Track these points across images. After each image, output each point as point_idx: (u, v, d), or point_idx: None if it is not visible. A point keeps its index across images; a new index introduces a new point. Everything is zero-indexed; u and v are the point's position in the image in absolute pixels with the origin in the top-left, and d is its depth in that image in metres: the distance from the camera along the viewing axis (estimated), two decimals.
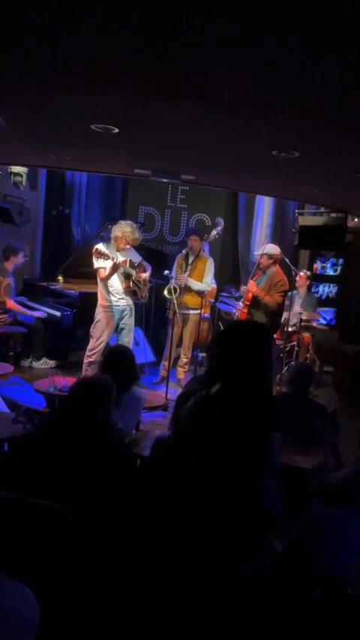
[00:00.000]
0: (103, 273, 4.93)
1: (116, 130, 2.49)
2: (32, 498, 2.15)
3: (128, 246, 5.07)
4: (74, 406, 2.61)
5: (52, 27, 1.38)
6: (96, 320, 5.06)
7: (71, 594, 2.11)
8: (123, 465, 2.68)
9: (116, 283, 5.02)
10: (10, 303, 5.81)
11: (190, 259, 5.64)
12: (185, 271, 5.55)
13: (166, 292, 5.56)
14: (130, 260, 5.14)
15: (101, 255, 4.79)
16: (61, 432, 2.55)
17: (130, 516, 2.46)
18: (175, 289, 5.41)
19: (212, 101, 1.84)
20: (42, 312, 6.04)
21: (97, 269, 4.97)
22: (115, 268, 4.86)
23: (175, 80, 1.69)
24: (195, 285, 5.56)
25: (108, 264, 4.87)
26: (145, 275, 5.21)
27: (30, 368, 5.96)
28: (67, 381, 4.19)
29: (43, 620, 1.71)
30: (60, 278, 6.58)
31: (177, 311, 5.41)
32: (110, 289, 5.01)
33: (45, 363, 5.98)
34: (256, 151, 2.63)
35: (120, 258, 5.00)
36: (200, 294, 5.61)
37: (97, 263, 4.93)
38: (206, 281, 5.65)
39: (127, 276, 5.07)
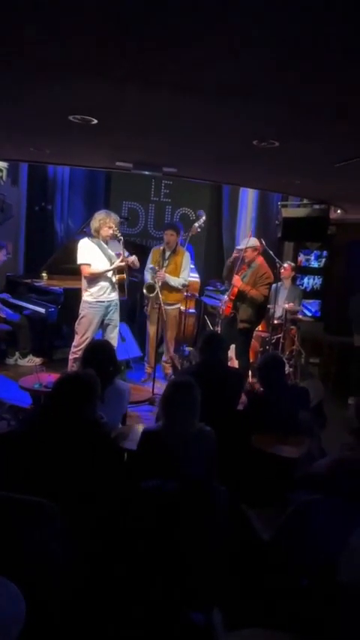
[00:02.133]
0: (87, 270, 4.88)
1: (95, 122, 2.46)
2: (18, 494, 2.13)
3: (112, 235, 4.96)
4: (59, 403, 2.58)
5: (27, 13, 1.35)
6: (80, 316, 5.01)
7: (58, 591, 2.10)
8: (110, 460, 2.66)
9: (103, 279, 4.98)
10: None
11: (167, 254, 5.57)
12: (162, 267, 5.46)
13: (145, 290, 5.53)
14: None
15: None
16: (46, 428, 2.52)
17: (119, 511, 2.46)
18: (152, 287, 5.39)
19: (189, 88, 1.82)
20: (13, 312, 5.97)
21: (81, 265, 4.92)
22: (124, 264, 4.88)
23: (151, 67, 1.67)
24: (172, 280, 5.51)
25: (96, 259, 4.85)
26: (133, 258, 5.05)
27: (15, 366, 5.91)
28: (52, 377, 4.15)
29: (30, 615, 1.70)
30: (44, 275, 6.51)
31: (162, 305, 5.38)
32: (96, 285, 4.96)
33: (31, 361, 5.92)
34: (236, 140, 2.62)
35: (110, 252, 4.98)
36: (179, 289, 5.60)
37: (81, 259, 4.88)
38: (183, 276, 5.60)
39: (120, 270, 5.03)
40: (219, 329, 5.91)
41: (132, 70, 1.74)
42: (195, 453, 2.64)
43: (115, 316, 5.13)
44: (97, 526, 2.37)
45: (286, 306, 6.19)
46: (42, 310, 6.01)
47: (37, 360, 5.87)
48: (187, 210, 7.60)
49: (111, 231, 4.89)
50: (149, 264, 5.60)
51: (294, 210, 4.99)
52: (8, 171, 5.07)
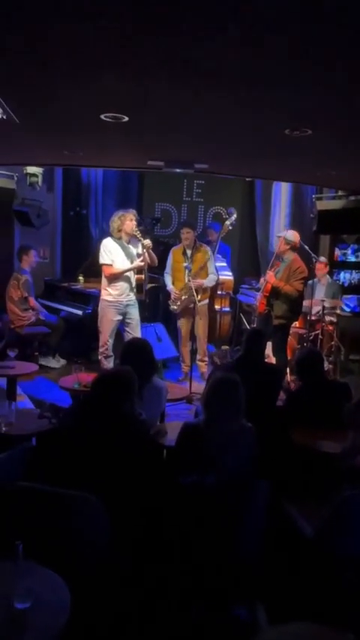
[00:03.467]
0: (109, 270, 5.00)
1: (126, 119, 2.48)
2: (62, 489, 2.17)
3: (133, 235, 5.05)
4: (98, 398, 2.61)
5: (55, 10, 1.38)
6: (100, 315, 5.14)
7: (101, 582, 2.12)
8: (149, 454, 2.68)
9: (123, 279, 5.06)
10: (32, 300, 5.90)
11: (189, 252, 5.58)
12: (185, 262, 5.46)
13: (185, 295, 5.53)
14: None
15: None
16: (87, 424, 2.56)
17: (159, 505, 2.47)
18: (186, 288, 5.43)
19: (217, 76, 1.81)
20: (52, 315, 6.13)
21: (103, 265, 5.03)
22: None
23: (178, 54, 1.67)
24: (207, 282, 5.60)
25: (118, 260, 4.97)
26: (147, 242, 5.06)
27: (54, 368, 6.04)
28: (91, 377, 4.21)
29: (74, 606, 1.72)
30: (80, 278, 6.64)
31: (197, 304, 5.41)
32: (116, 285, 5.06)
33: (58, 362, 6.07)
34: (269, 130, 2.59)
35: (133, 251, 5.10)
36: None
37: (103, 259, 5.01)
38: (212, 271, 5.66)
39: (139, 271, 5.15)
40: (254, 326, 5.87)
41: (160, 62, 1.75)
42: (235, 449, 2.62)
43: (135, 315, 5.23)
44: (138, 519, 2.38)
45: (327, 302, 6.06)
46: (79, 312, 6.12)
47: (63, 362, 6.02)
48: (220, 209, 7.57)
49: (134, 223, 5.00)
50: (169, 268, 5.68)
51: (329, 202, 4.89)
52: (44, 178, 5.18)
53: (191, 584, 2.38)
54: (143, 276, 5.23)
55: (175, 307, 5.70)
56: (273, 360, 5.54)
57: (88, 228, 7.50)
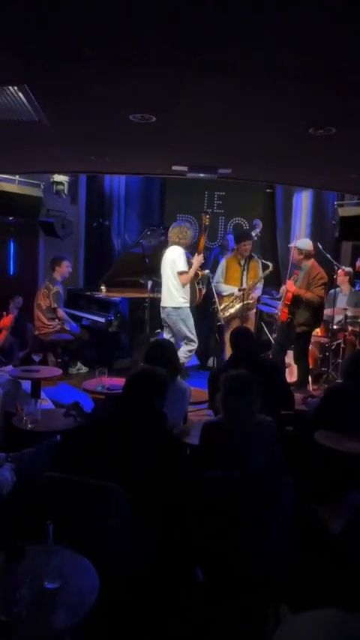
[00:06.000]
0: (187, 277, 5.30)
1: (154, 119, 2.56)
2: (90, 479, 2.20)
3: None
4: (130, 394, 2.66)
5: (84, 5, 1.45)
6: (184, 319, 5.34)
7: (126, 566, 2.13)
8: (174, 450, 2.70)
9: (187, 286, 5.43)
10: (60, 312, 6.00)
11: (242, 261, 5.94)
12: (243, 272, 5.90)
13: (239, 303, 5.86)
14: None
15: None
16: (116, 419, 2.60)
17: (183, 500, 2.48)
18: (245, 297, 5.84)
19: (243, 72, 1.87)
20: (75, 324, 6.27)
21: (181, 273, 5.30)
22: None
23: (205, 52, 1.73)
24: (259, 291, 6.18)
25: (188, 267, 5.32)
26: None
27: (77, 375, 6.11)
28: (114, 380, 4.26)
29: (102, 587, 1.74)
30: (103, 288, 6.74)
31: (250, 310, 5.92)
32: (187, 290, 5.41)
33: (79, 369, 6.15)
34: (292, 130, 2.63)
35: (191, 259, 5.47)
36: None
37: (183, 266, 5.28)
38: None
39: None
40: (275, 335, 5.96)
41: (189, 59, 1.82)
42: (257, 443, 2.62)
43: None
44: (161, 514, 2.39)
45: (349, 311, 6.02)
46: (101, 320, 6.20)
47: (85, 369, 6.14)
48: (241, 220, 7.62)
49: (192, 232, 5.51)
50: (221, 275, 6.02)
51: (351, 209, 4.91)
52: (69, 187, 5.33)
53: (213, 581, 2.38)
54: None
55: (228, 314, 5.97)
56: (294, 369, 5.51)
57: (111, 239, 7.63)
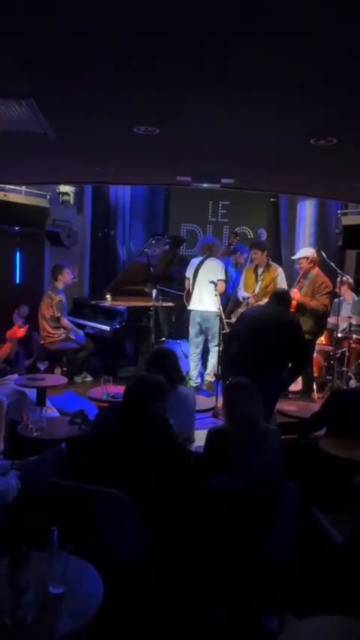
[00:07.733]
0: (223, 287, 5.65)
1: (157, 131, 2.61)
2: (94, 486, 2.22)
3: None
4: (130, 400, 2.69)
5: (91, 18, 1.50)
6: (219, 327, 5.46)
7: (131, 573, 2.14)
8: (178, 456, 2.71)
9: None
10: (64, 321, 6.03)
11: (259, 270, 5.88)
12: (257, 282, 5.89)
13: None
14: None
15: None
16: (117, 425, 2.62)
17: (187, 505, 2.49)
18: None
19: (246, 84, 1.91)
20: (80, 334, 6.29)
21: (223, 281, 5.67)
22: None
23: (206, 61, 1.77)
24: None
25: None
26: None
27: (83, 383, 6.13)
28: (119, 388, 4.28)
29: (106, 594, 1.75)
30: (108, 296, 6.77)
31: None
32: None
33: (84, 377, 6.17)
34: (294, 141, 2.67)
35: None
36: None
37: (224, 276, 5.69)
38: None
39: None
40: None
41: (193, 71, 1.86)
42: (260, 451, 2.63)
43: None
44: (165, 521, 2.40)
45: (354, 320, 6.03)
46: (107, 328, 6.22)
47: (90, 377, 6.13)
48: (245, 229, 7.67)
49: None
50: (241, 283, 6.11)
51: (355, 217, 4.94)
52: (75, 198, 5.39)
53: (217, 589, 2.38)
54: None
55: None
56: (299, 377, 5.51)
57: (116, 249, 7.68)
